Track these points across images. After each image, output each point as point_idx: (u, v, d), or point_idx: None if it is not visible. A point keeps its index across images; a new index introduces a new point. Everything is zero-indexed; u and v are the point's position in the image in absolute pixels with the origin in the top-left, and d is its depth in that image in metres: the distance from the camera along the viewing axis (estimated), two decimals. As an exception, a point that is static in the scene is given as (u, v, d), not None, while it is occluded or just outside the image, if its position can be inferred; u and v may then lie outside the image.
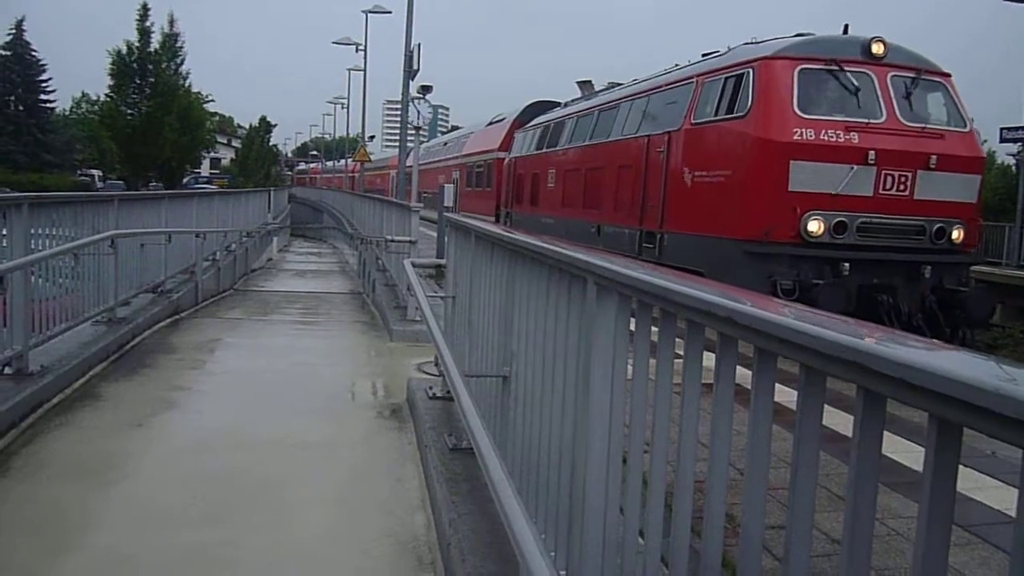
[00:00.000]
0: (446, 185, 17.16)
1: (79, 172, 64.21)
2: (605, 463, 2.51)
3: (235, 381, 8.85)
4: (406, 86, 22.84)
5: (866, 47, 11.63)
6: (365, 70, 45.15)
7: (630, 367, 2.48)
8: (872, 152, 10.99)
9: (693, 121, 12.90)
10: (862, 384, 1.31)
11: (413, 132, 23.62)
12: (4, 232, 7.10)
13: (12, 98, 64.79)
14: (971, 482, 4.94)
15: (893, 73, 11.65)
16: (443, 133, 63.70)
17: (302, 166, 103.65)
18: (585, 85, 24.43)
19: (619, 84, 20.28)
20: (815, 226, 10.84)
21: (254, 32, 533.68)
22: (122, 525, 4.89)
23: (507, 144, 27.62)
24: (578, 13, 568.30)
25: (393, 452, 6.29)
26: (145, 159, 48.77)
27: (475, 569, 3.67)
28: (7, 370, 6.80)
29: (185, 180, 58.48)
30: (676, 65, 15.78)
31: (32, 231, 7.41)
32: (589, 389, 2.56)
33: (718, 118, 12.28)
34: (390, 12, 36.79)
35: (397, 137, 26.79)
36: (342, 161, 71.42)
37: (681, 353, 2.09)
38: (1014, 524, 1.05)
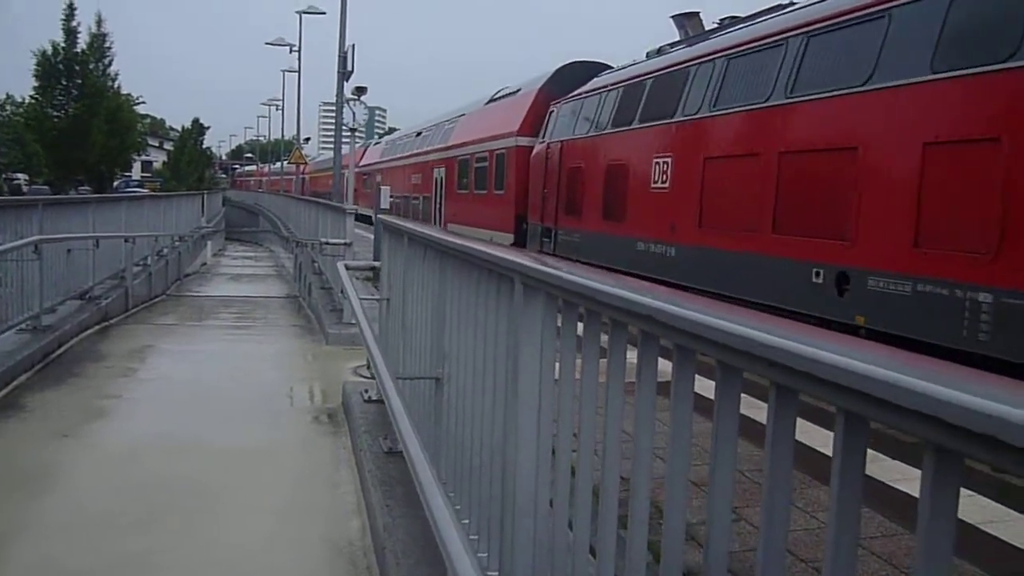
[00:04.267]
0: (382, 187, 16.64)
1: (3, 176, 62.40)
2: (534, 463, 2.52)
3: (167, 388, 8.68)
4: (340, 87, 22.68)
5: None
6: (299, 71, 44.74)
7: (558, 366, 2.49)
8: None
9: None
10: (773, 379, 1.34)
11: (348, 133, 23.42)
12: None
13: (-68, 100, 62.72)
14: (897, 473, 5.08)
15: None
16: (380, 135, 62.21)
17: (248, 168, 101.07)
18: (688, 19, 15.70)
19: (737, 18, 13.13)
20: None
21: (186, 34, 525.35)
22: (49, 537, 4.77)
23: (531, 125, 19.05)
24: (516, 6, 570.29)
25: (328, 457, 6.23)
26: (73, 162, 47.49)
27: (409, 572, 3.66)
28: (-75, 381, 6.58)
29: (116, 184, 57.15)
30: None
31: (-50, 237, 7.18)
32: (518, 388, 2.56)
33: None
34: (324, 13, 36.48)
35: (332, 138, 26.18)
36: (277, 164, 70.10)
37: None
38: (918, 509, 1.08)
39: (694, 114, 11.58)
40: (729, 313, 1.51)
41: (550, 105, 18.03)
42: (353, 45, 22.14)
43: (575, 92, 16.85)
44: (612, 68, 17.10)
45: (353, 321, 10.24)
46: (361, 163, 40.90)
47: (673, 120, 12.10)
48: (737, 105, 10.56)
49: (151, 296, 15.39)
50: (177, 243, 20.32)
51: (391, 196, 30.09)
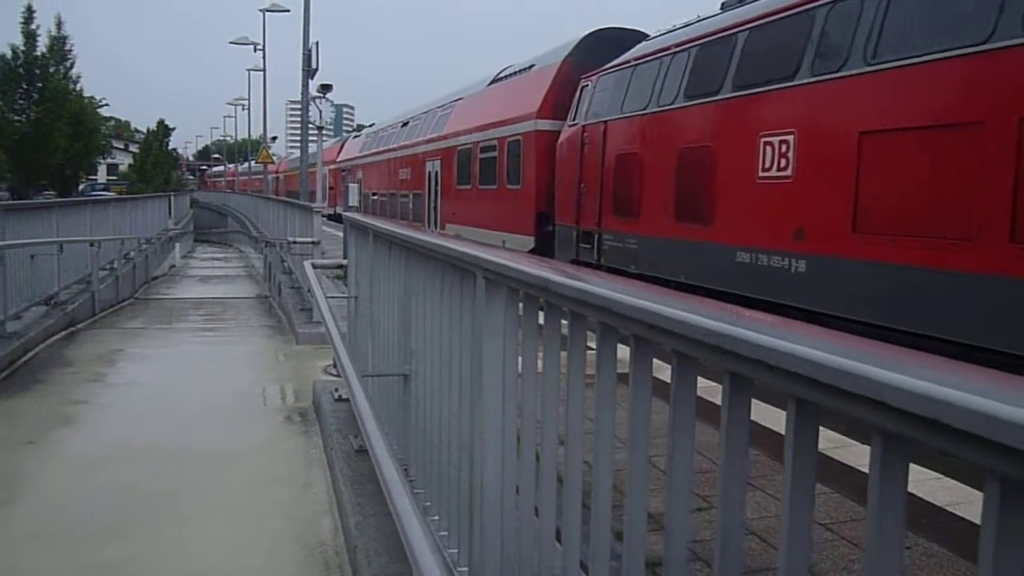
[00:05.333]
0: (350, 184, 16.41)
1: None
2: (500, 456, 2.52)
3: (137, 392, 8.59)
4: (305, 85, 22.53)
5: None
6: (264, 70, 44.38)
7: (521, 358, 2.50)
8: None
9: None
10: (725, 366, 1.34)
11: (315, 131, 23.26)
12: None
13: None
14: (866, 458, 5.12)
15: None
16: (349, 132, 61.06)
17: (219, 168, 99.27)
18: None
19: None
20: None
21: (149, 35, 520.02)
22: (17, 546, 4.71)
23: (553, 105, 15.92)
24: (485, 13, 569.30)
25: (299, 457, 6.20)
26: (36, 167, 46.88)
27: (381, 570, 3.64)
28: None
29: (81, 188, 56.44)
30: None
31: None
32: (483, 382, 2.57)
33: None
34: (288, 11, 36.20)
35: (300, 137, 25.86)
36: (249, 164, 69.15)
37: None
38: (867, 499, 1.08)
39: (835, 72, 8.24)
40: (682, 302, 1.52)
41: (580, 80, 14.58)
42: (317, 43, 22.02)
43: (620, 61, 13.29)
44: (652, 36, 13.99)
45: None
46: (339, 159, 39.19)
47: (795, 83, 8.76)
48: (923, 53, 7.20)
49: (118, 300, 15.22)
50: (144, 246, 20.12)
51: (373, 194, 28.16)
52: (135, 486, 5.65)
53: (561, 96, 15.58)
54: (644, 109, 11.96)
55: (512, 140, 17.14)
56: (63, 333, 11.14)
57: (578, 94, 14.48)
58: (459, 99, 22.66)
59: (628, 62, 12.97)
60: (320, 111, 22.76)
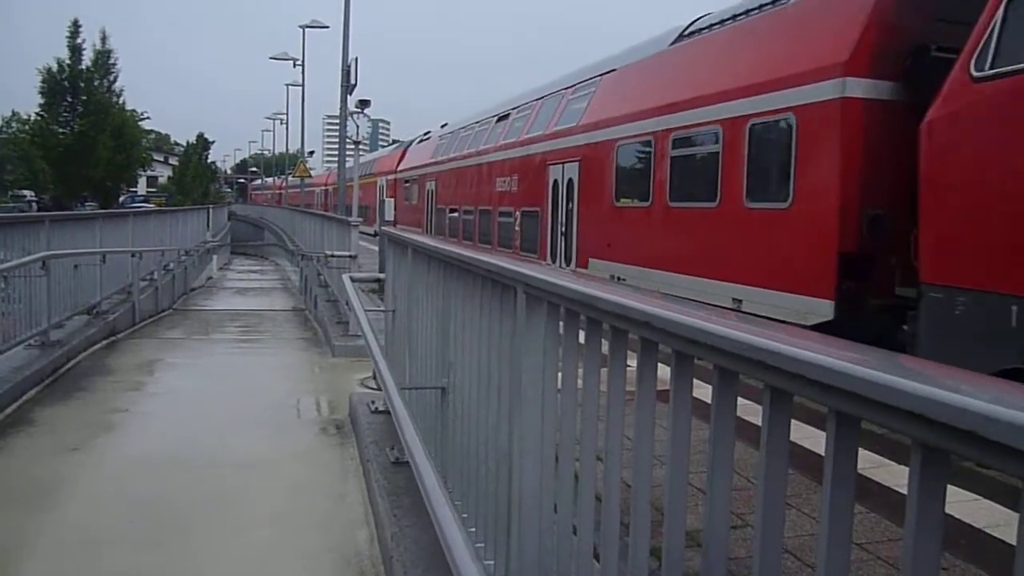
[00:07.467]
0: (386, 199, 16.33)
1: (10, 193, 62.75)
2: (539, 470, 2.55)
3: (175, 402, 8.72)
4: (344, 101, 22.72)
5: None
6: (303, 85, 45.02)
7: (561, 374, 2.53)
8: None
9: None
10: (767, 381, 1.37)
11: (352, 146, 23.44)
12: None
13: (-62, 118, 62.98)
14: (904, 478, 5.08)
15: None
16: (385, 146, 60.64)
17: (266, 179, 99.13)
18: None
19: None
20: None
21: (191, 49, 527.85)
22: (57, 552, 4.80)
23: (877, 53, 8.07)
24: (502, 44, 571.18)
25: (335, 468, 6.26)
26: (79, 179, 47.69)
27: (417, 581, 3.68)
28: (-65, 398, 6.63)
29: (122, 199, 57.32)
30: None
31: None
32: (521, 396, 2.60)
33: None
34: (328, 27, 36.64)
35: (337, 152, 26.07)
36: (292, 176, 68.87)
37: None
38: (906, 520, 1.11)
39: None
40: (723, 318, 1.55)
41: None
42: (356, 58, 22.22)
43: None
44: None
45: (359, 333, 10.30)
46: (400, 167, 32.15)
47: None
48: None
49: (158, 310, 15.45)
50: (183, 257, 20.39)
51: (452, 211, 22.76)
52: (173, 494, 5.73)
53: (890, 35, 8.24)
54: None
55: (762, 122, 9.63)
56: (104, 342, 11.32)
57: (1001, 9, 6.11)
58: (607, 72, 15.14)
59: None
60: (357, 126, 22.90)
